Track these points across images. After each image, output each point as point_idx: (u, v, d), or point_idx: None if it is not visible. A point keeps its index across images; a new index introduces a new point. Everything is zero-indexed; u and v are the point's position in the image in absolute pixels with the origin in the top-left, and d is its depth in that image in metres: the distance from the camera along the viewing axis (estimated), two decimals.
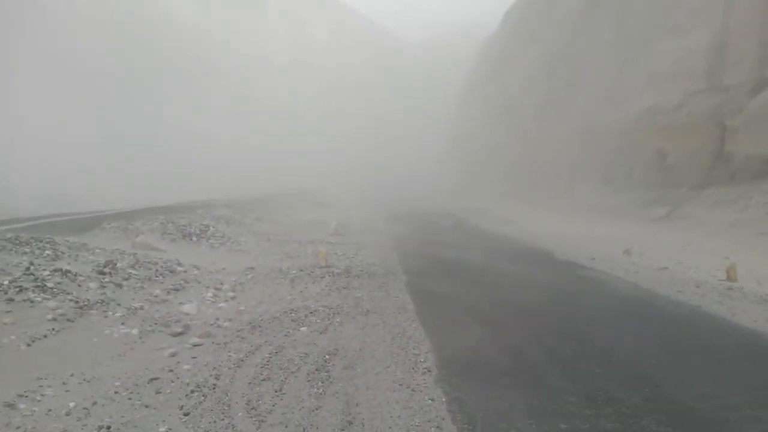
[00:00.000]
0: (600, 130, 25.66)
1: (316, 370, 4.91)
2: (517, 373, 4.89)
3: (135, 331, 5.80)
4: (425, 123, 68.96)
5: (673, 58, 20.94)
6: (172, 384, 4.54)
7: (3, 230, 9.30)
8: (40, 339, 5.28)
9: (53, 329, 5.52)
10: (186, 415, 3.99)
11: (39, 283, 6.38)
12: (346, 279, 9.12)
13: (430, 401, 4.27)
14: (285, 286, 8.50)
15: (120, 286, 7.23)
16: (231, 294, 7.85)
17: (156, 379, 4.62)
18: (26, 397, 4.14)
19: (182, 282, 8.16)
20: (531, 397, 4.34)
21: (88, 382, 4.53)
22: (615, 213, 20.20)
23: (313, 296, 7.82)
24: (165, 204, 18.68)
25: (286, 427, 3.84)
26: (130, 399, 4.24)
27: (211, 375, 4.74)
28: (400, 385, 4.59)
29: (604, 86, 26.17)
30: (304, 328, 6.18)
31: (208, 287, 8.09)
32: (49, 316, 5.73)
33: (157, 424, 3.85)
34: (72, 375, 4.62)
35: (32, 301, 5.95)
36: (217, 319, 6.51)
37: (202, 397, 4.29)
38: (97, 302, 6.42)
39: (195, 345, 5.54)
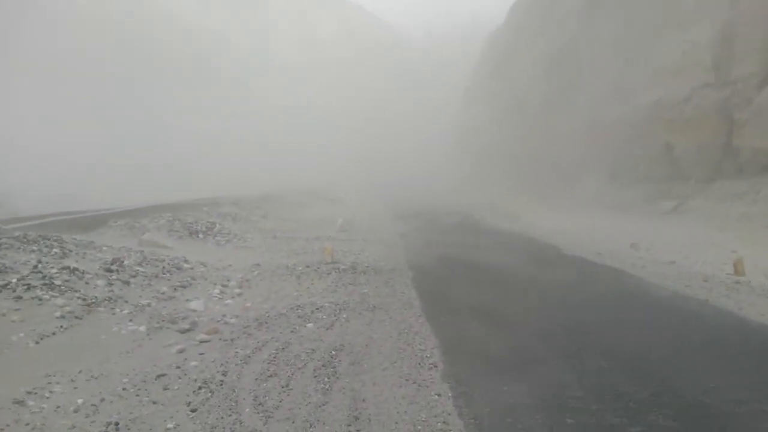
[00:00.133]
0: (606, 124, 25.48)
1: (323, 365, 4.92)
2: (523, 368, 4.89)
3: (142, 328, 5.83)
4: (431, 118, 68.43)
5: (679, 51, 20.76)
6: (180, 380, 4.56)
7: (11, 228, 9.36)
8: (48, 336, 5.32)
9: (61, 326, 5.56)
10: (193, 411, 4.01)
11: (47, 281, 6.41)
12: (353, 275, 9.12)
13: (436, 396, 4.27)
14: (291, 282, 8.52)
15: (127, 283, 7.27)
16: (238, 291, 7.87)
17: (163, 375, 4.65)
18: (35, 393, 4.17)
19: (189, 279, 8.20)
20: (537, 391, 4.33)
21: (96, 378, 4.55)
22: (622, 207, 20.13)
23: (320, 292, 7.83)
24: (171, 202, 18.72)
25: (293, 422, 3.85)
26: (137, 395, 4.26)
27: (218, 371, 4.76)
28: (407, 380, 4.59)
29: (610, 80, 25.95)
30: (310, 324, 6.19)
31: (214, 284, 8.12)
32: (58, 314, 5.77)
33: (165, 420, 3.86)
34: (80, 372, 4.64)
35: (40, 299, 5.98)
36: (224, 315, 6.53)
37: (210, 394, 4.31)
38: (105, 299, 6.46)
39: (202, 341, 5.57)
